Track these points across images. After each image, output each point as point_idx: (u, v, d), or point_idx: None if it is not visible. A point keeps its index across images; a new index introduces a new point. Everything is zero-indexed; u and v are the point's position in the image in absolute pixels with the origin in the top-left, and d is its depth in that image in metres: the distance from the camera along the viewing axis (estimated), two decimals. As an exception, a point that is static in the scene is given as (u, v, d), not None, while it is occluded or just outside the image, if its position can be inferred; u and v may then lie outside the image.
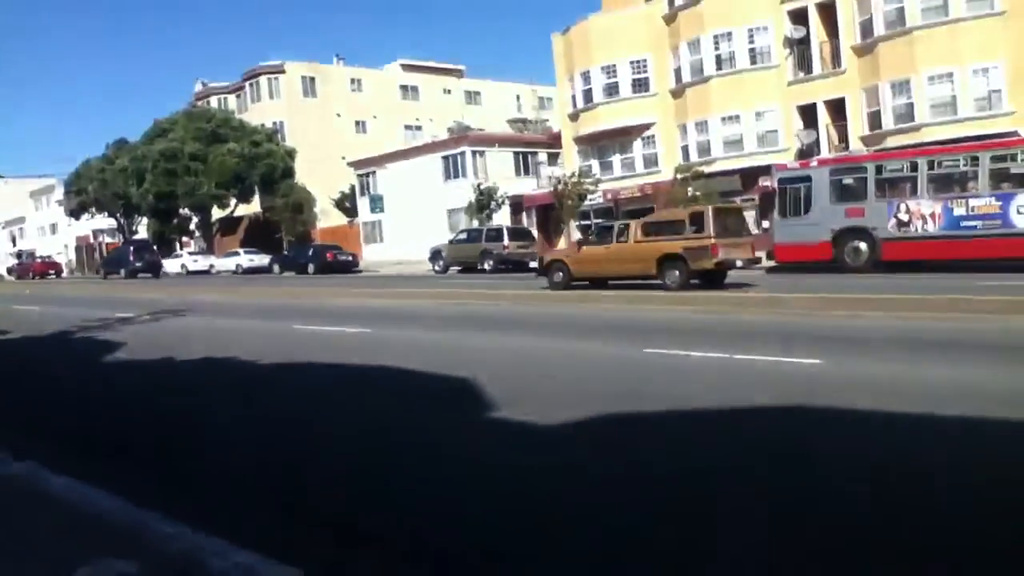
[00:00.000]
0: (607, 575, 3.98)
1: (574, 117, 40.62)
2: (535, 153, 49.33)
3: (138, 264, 45.56)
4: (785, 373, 8.41)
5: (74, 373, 11.46)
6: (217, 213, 58.29)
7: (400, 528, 4.74)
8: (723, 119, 34.86)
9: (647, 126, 38.15)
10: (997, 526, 4.31)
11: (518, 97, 69.81)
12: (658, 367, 9.15)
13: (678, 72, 36.58)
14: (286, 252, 47.86)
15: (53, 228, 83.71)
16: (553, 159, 46.95)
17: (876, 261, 22.12)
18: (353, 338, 13.36)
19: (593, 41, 38.55)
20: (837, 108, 33.19)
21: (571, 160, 41.37)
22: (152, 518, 4.65)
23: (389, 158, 51.16)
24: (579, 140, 40.81)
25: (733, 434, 6.32)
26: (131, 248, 48.39)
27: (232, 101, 64.31)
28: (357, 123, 63.51)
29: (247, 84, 63.02)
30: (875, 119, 31.33)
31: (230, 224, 59.42)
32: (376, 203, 50.39)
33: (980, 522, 4.36)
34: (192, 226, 62.55)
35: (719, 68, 34.85)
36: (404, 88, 66.75)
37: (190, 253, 55.04)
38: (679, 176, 34.22)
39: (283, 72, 61.34)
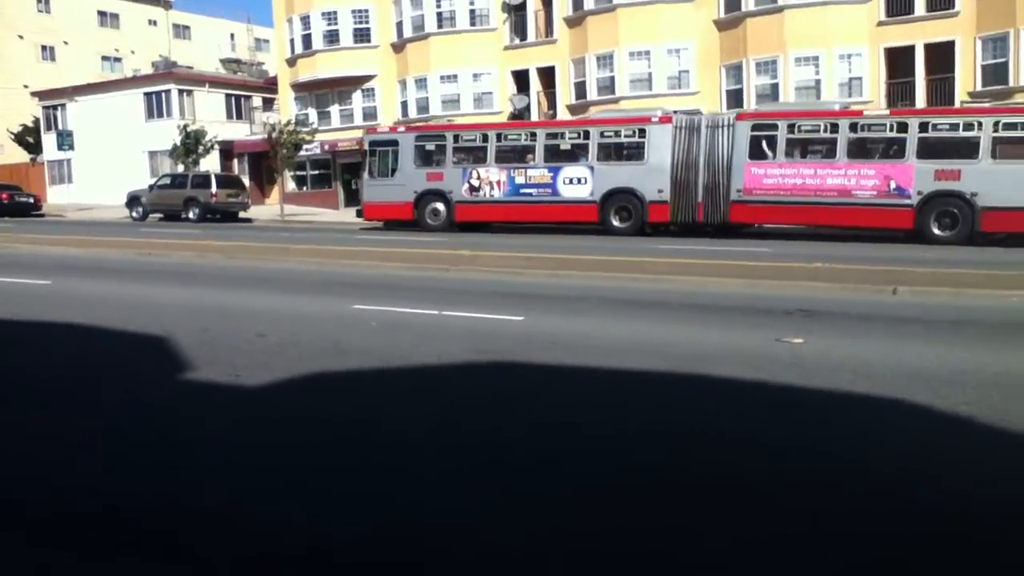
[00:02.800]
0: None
1: (292, 63, 39.09)
2: (249, 97, 46.89)
3: None
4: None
5: None
6: None
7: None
8: (442, 77, 35.23)
9: (367, 78, 37.62)
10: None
11: (232, 36, 65.79)
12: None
13: (400, 26, 36.36)
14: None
15: None
16: (269, 105, 44.93)
17: (452, 222, 24.39)
18: (30, 290, 12.01)
19: (314, -16, 37.23)
20: (548, 75, 34.75)
21: (288, 107, 39.86)
22: None
23: (82, 90, 46.27)
24: (297, 87, 39.39)
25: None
26: None
27: None
28: (44, 48, 56.56)
29: (-99, -9, 53.88)
30: (581, 89, 33.20)
31: None
32: (64, 140, 45.32)
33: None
34: None
35: (440, 26, 35.10)
36: (102, 14, 60.34)
37: None
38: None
39: (-51, -20, 53.15)
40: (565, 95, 33.96)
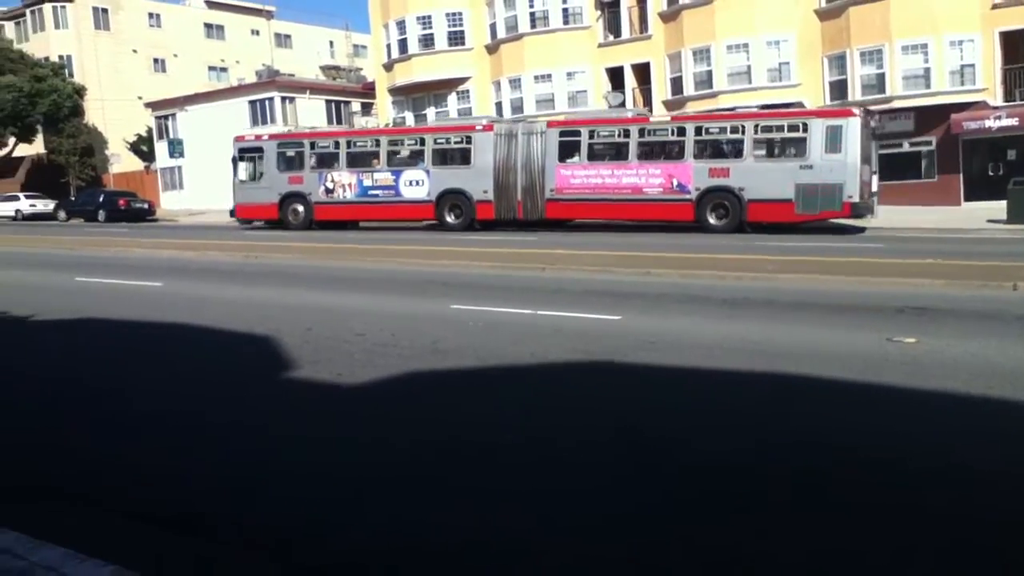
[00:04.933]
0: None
1: (389, 67, 39.78)
2: (348, 102, 47.97)
3: None
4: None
5: None
6: (-7, 152, 52.90)
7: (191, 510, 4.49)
8: (536, 77, 35.24)
9: (462, 80, 37.96)
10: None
11: (331, 43, 67.44)
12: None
13: (493, 28, 36.54)
14: (73, 198, 44.25)
15: None
16: (367, 109, 45.85)
17: (311, 221, 26.56)
18: (143, 292, 12.55)
19: (409, -10, 37.77)
20: (643, 72, 34.35)
21: (385, 111, 40.59)
22: None
23: (191, 100, 48.16)
24: (394, 91, 40.05)
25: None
26: None
27: (10, 29, 58.12)
28: (155, 61, 59.19)
29: (28, 11, 57.08)
30: (677, 85, 32.69)
31: (8, 165, 54.04)
32: (175, 147, 47.43)
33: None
34: (-39, 166, 56.45)
35: (533, 26, 35.11)
36: (208, 27, 62.76)
37: (-40, 196, 49.70)
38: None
39: (71, 1, 56.02)
40: (661, 91, 33.51)
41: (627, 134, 23.00)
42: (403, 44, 38.34)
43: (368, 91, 45.73)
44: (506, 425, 5.60)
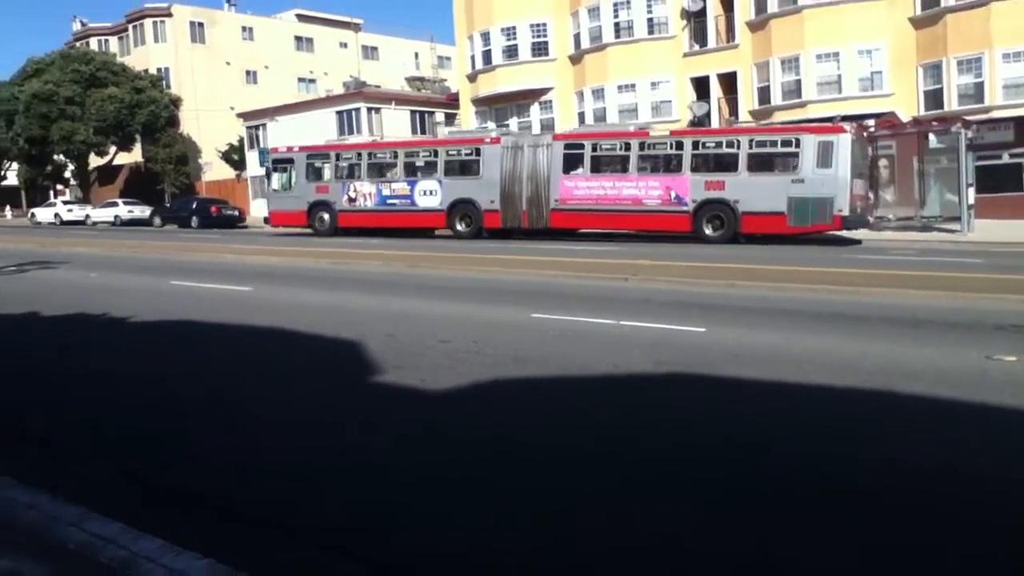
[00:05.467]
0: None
1: (472, 78, 40.20)
2: (432, 113, 48.68)
3: None
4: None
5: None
6: (95, 161, 55.31)
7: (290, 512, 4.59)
8: (619, 87, 35.12)
9: (545, 90, 38.10)
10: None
11: (416, 55, 68.56)
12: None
13: (577, 38, 36.58)
14: (168, 204, 45.96)
15: (-89, 170, 77.72)
16: (450, 120, 46.42)
17: (335, 228, 28.08)
18: (234, 296, 12.91)
19: (494, 2, 38.06)
20: (729, 81, 33.90)
21: (468, 121, 41.00)
22: (3, 485, 4.36)
23: (281, 111, 49.57)
24: (477, 101, 40.45)
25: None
26: None
27: (114, 43, 60.84)
28: (248, 73, 61.13)
29: (130, 26, 59.70)
30: (764, 94, 32.16)
31: (109, 173, 56.55)
32: (266, 157, 48.73)
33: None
34: (67, 174, 59.17)
35: (617, 36, 35.02)
36: (299, 39, 64.55)
37: (64, 202, 52.05)
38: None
39: (170, 15, 58.32)
40: (748, 101, 33.01)
41: (628, 147, 23.98)
42: (487, 55, 38.70)
43: (452, 102, 46.31)
44: (590, 434, 5.56)
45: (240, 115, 52.63)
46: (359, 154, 28.59)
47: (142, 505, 4.32)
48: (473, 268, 16.28)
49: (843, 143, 21.00)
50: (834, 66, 30.34)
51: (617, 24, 35.01)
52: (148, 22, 58.46)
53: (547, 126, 37.65)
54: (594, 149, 24.48)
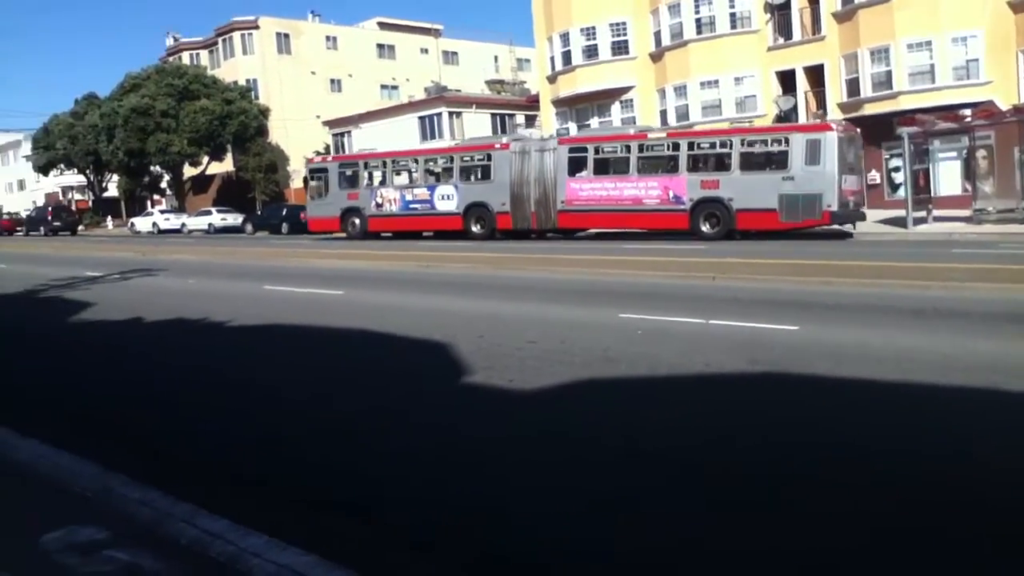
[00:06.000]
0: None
1: (552, 79, 40.20)
2: (512, 115, 48.87)
3: (56, 223, 52.51)
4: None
5: (38, 333, 11.25)
6: (189, 171, 57.38)
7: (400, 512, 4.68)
8: (702, 84, 34.61)
9: (626, 89, 37.83)
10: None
11: (496, 58, 68.95)
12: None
13: (658, 35, 36.20)
14: (259, 212, 47.30)
15: (21, 184, 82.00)
16: (530, 121, 46.53)
17: (365, 231, 29.60)
18: (326, 300, 13.21)
19: (573, 2, 37.95)
20: (816, 74, 33.06)
21: (549, 122, 41.02)
22: (119, 483, 4.55)
23: (365, 118, 50.52)
24: (557, 102, 40.42)
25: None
26: (49, 208, 57.39)
27: (205, 57, 62.99)
28: (332, 81, 62.46)
29: (220, 40, 61.71)
30: (853, 86, 31.24)
31: (202, 182, 58.57)
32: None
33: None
34: (164, 184, 61.52)
35: (699, 32, 34.51)
36: (380, 47, 65.67)
37: (161, 211, 54.22)
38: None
39: (257, 28, 60.05)
40: (835, 93, 32.14)
41: (628, 149, 24.98)
42: (567, 56, 38.64)
43: (532, 104, 46.40)
44: (684, 433, 5.51)
45: (326, 123, 53.83)
46: (384, 162, 30.43)
47: (258, 508, 4.46)
48: (556, 269, 16.29)
49: (830, 141, 21.57)
50: (927, 55, 29.27)
51: (699, 20, 34.52)
52: (236, 35, 60.31)
53: (628, 124, 37.36)
54: (597, 152, 25.56)
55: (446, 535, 4.08)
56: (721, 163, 23.51)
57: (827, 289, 11.96)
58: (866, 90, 30.57)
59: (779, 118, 32.99)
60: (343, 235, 30.27)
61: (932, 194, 25.42)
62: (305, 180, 31.58)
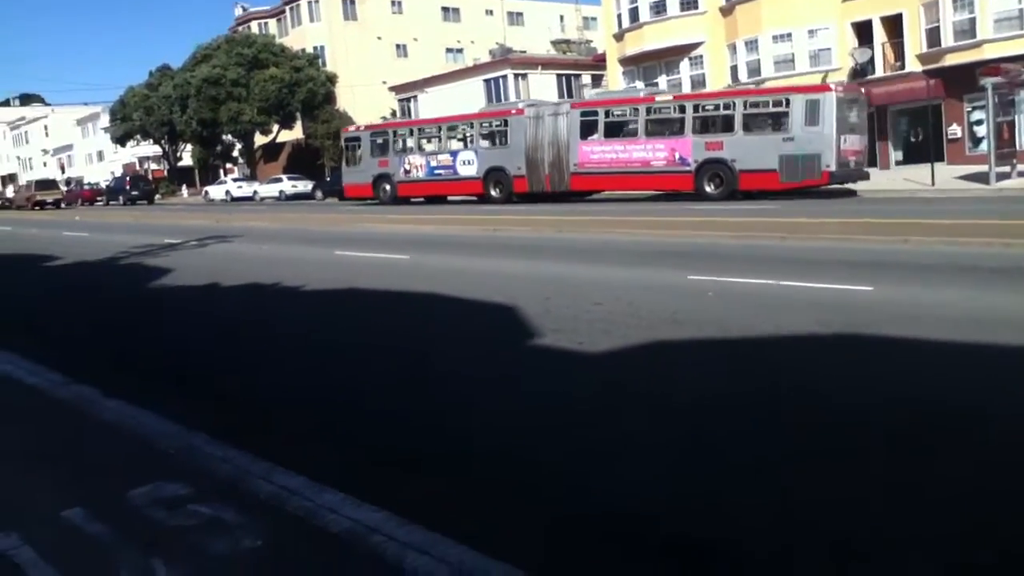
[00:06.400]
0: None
1: (619, 37, 39.54)
2: (579, 75, 48.31)
3: (134, 193, 54.35)
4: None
5: (121, 299, 11.68)
6: (260, 139, 58.36)
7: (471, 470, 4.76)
8: (774, 37, 33.61)
9: (695, 46, 36.98)
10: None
11: (562, 17, 68.08)
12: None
13: (728, -12, 35.25)
14: (328, 179, 47.93)
15: (100, 155, 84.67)
16: (597, 81, 45.95)
17: (395, 196, 31.27)
18: (394, 264, 13.38)
19: (639, -43, 37.18)
20: (894, 24, 31.80)
21: (616, 82, 40.42)
22: (201, 440, 4.73)
23: (430, 82, 50.54)
24: (624, 61, 39.77)
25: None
26: (127, 178, 59.16)
27: (273, 26, 63.69)
28: (398, 46, 62.56)
29: (287, 8, 62.25)
30: (934, 35, 29.98)
31: (273, 150, 59.54)
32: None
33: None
34: (235, 152, 62.75)
35: (771, -16, 33.46)
36: (445, 10, 65.42)
37: (234, 179, 55.40)
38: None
39: (323, -5, 60.40)
40: (915, 44, 30.90)
41: (636, 112, 25.58)
42: (634, 12, 37.92)
43: (599, 63, 45.79)
44: (754, 397, 5.46)
45: (392, 88, 54.04)
46: (411, 131, 32.39)
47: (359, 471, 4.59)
48: (621, 231, 16.17)
49: (828, 101, 21.91)
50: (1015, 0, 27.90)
51: (770, -28, 33.42)
52: (303, 3, 60.73)
53: (697, 83, 36.64)
54: (607, 115, 26.25)
55: (545, 492, 4.15)
56: (725, 125, 23.91)
57: (903, 247, 11.63)
58: (947, 39, 29.32)
59: (855, 72, 31.94)
60: (375, 200, 31.90)
61: (1017, 148, 24.33)
62: (341, 149, 33.24)
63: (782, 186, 22.40)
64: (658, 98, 26.08)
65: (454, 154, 29.95)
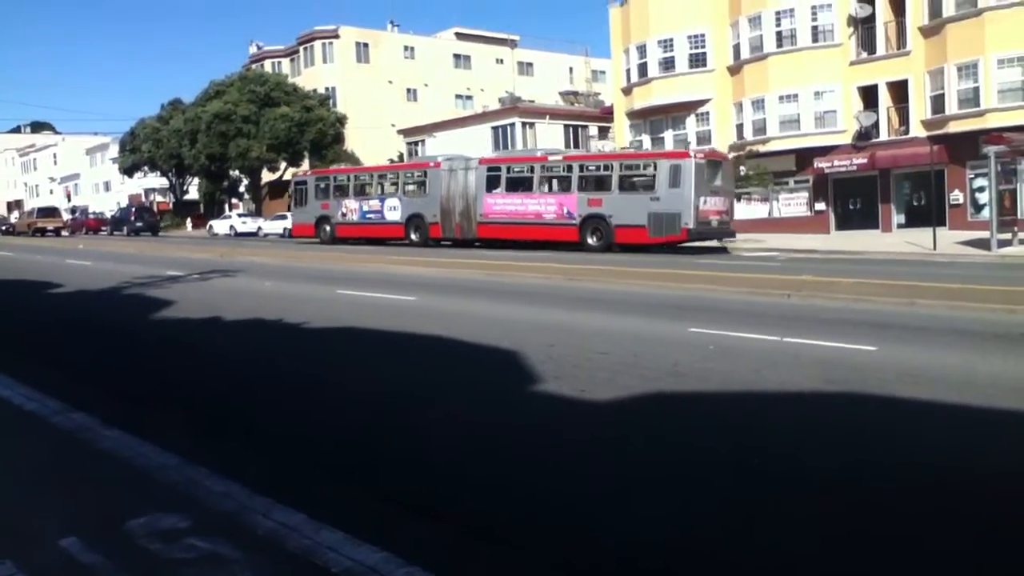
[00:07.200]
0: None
1: (628, 91, 40.02)
2: (586, 127, 48.82)
3: (139, 224, 53.84)
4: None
5: (123, 329, 11.66)
6: (267, 176, 58.76)
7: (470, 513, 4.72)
8: (780, 97, 34.03)
9: (702, 102, 37.41)
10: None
11: (571, 69, 69.02)
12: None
13: (736, 48, 35.74)
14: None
15: (107, 185, 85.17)
16: (604, 133, 46.40)
17: (334, 237, 33.32)
18: (399, 305, 13.38)
19: (651, 13, 37.74)
20: (900, 90, 32.25)
21: (622, 135, 40.85)
22: (201, 474, 4.70)
23: (439, 127, 51.04)
24: (632, 115, 40.21)
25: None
26: (132, 209, 58.78)
27: (286, 65, 64.55)
28: (408, 91, 63.36)
29: (301, 48, 63.17)
30: (938, 102, 30.38)
31: (279, 187, 59.90)
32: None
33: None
34: (242, 188, 63.12)
35: (779, 45, 33.94)
36: (457, 57, 66.41)
37: (239, 215, 55.59)
38: (732, 155, 33.59)
39: (337, 37, 61.34)
40: (919, 110, 31.30)
41: (532, 170, 28.26)
42: (643, 68, 38.39)
43: (606, 115, 46.26)
44: (755, 451, 5.43)
45: (401, 131, 54.56)
46: (348, 177, 34.82)
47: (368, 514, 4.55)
48: (625, 282, 16.19)
49: (688, 167, 24.30)
50: (1018, 71, 28.32)
51: (779, 33, 33.98)
52: (318, 44, 61.66)
53: (703, 138, 37.01)
54: (508, 171, 28.88)
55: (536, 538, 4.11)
56: (604, 184, 26.44)
57: (907, 310, 11.65)
58: (951, 107, 29.72)
59: (859, 134, 32.32)
60: (317, 240, 34.08)
61: (1018, 215, 24.52)
62: (290, 193, 35.79)
63: (650, 240, 24.61)
64: (551, 158, 28.58)
65: (383, 200, 32.48)
